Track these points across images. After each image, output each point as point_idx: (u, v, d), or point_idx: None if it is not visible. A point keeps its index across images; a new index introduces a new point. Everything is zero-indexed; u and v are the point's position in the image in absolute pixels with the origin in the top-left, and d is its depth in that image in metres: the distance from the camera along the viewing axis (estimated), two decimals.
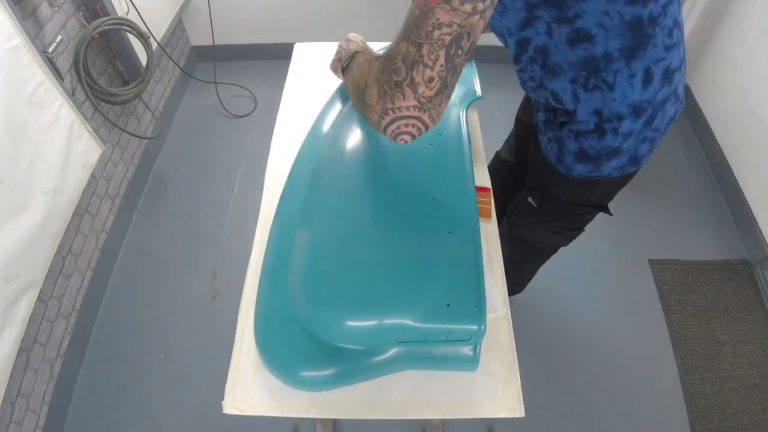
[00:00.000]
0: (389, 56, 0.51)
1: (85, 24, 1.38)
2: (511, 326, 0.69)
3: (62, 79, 1.19)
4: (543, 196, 0.87)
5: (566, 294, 1.59)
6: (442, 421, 1.30)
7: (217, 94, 2.17)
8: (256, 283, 0.71)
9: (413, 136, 0.54)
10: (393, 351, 0.63)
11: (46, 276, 1.16)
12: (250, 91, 2.24)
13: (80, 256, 1.45)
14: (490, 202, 0.82)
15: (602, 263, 1.67)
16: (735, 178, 1.78)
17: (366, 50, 0.81)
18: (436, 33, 0.46)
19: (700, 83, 2.03)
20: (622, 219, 1.45)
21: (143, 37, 1.53)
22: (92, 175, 1.41)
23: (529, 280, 1.30)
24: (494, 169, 1.11)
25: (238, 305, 0.70)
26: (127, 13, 1.55)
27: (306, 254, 0.68)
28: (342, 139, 0.84)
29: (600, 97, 0.66)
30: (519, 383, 0.64)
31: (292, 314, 0.65)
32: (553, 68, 0.66)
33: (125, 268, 1.67)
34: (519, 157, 1.09)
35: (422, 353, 0.63)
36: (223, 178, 1.93)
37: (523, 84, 0.75)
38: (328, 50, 0.94)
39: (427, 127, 0.53)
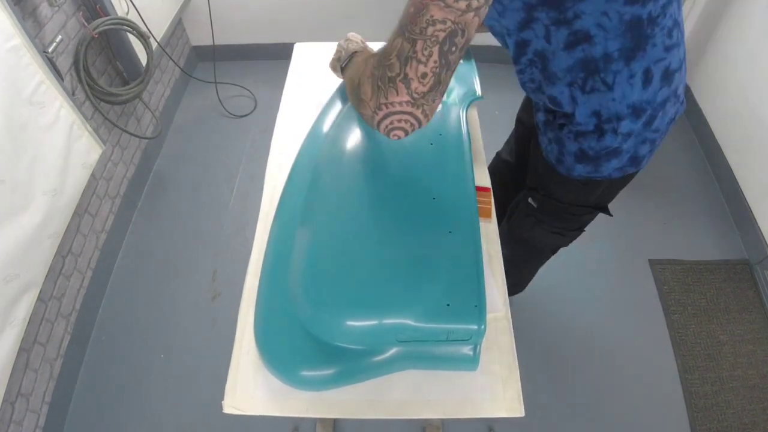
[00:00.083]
0: (384, 52, 0.51)
1: (85, 24, 1.39)
2: (511, 326, 0.69)
3: (62, 79, 1.19)
4: (543, 196, 0.87)
5: (566, 294, 1.59)
6: (442, 421, 1.30)
7: (217, 94, 2.17)
8: (256, 283, 0.71)
9: (406, 132, 0.54)
10: (393, 351, 0.63)
11: (46, 276, 1.16)
12: (250, 91, 2.23)
13: (80, 256, 1.46)
14: (490, 202, 0.82)
15: (602, 263, 1.67)
16: (735, 179, 1.78)
17: (365, 50, 0.81)
18: (430, 29, 0.47)
19: (700, 83, 2.03)
20: (622, 219, 1.45)
21: (143, 37, 1.53)
22: (92, 175, 1.41)
23: (529, 280, 1.30)
24: (494, 169, 1.11)
25: (238, 305, 0.70)
26: (127, 13, 1.55)
27: (306, 254, 0.68)
28: (342, 139, 0.84)
29: (598, 98, 0.66)
30: (519, 383, 0.64)
31: (292, 314, 0.65)
32: (551, 75, 0.67)
33: (125, 268, 1.67)
34: (519, 157, 1.09)
35: (422, 353, 0.63)
36: (223, 178, 1.93)
37: (523, 85, 0.75)
38: (328, 50, 0.94)
39: (420, 123, 0.53)
